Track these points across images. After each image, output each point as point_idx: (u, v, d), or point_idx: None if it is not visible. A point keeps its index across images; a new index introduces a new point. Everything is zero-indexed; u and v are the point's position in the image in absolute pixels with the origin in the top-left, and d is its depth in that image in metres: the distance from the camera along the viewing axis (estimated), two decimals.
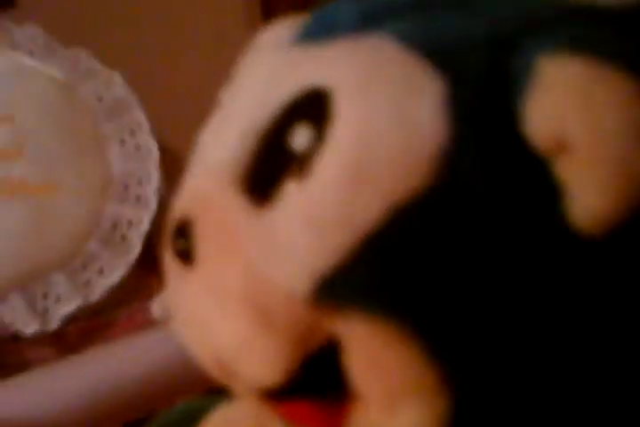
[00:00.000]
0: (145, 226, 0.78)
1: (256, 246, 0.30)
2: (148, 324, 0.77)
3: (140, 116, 0.81)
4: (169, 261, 0.35)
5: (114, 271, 0.76)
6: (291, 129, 0.31)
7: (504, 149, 0.29)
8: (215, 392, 0.56)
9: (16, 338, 0.73)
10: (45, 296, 0.74)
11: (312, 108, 0.31)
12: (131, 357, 0.64)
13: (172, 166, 0.80)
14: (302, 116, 0.31)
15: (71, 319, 0.74)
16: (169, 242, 0.34)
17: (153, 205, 0.79)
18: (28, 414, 0.59)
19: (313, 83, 0.31)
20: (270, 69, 0.34)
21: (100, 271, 0.76)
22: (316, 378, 0.31)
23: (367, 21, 0.32)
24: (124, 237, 0.77)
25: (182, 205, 0.34)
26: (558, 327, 0.29)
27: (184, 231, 0.33)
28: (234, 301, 0.31)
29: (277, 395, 0.31)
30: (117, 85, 0.82)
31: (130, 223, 0.78)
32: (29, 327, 0.73)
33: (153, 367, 0.63)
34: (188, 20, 0.88)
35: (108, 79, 0.82)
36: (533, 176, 0.28)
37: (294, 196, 0.30)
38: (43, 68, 0.81)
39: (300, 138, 0.31)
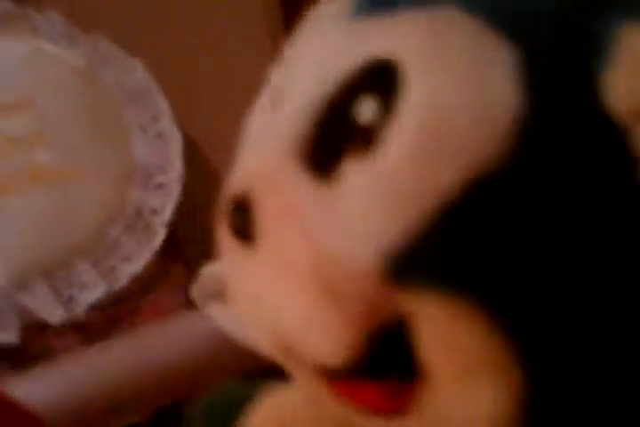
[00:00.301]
0: (168, 213, 0.77)
1: (322, 222, 0.30)
2: (173, 311, 0.76)
3: (161, 103, 0.80)
4: (225, 239, 0.34)
5: (138, 258, 0.75)
6: (355, 101, 0.30)
7: (581, 118, 0.28)
8: (249, 376, 0.55)
9: (41, 326, 0.72)
10: (70, 284, 0.73)
11: (378, 79, 0.30)
12: (158, 341, 0.63)
13: (195, 154, 0.79)
14: (368, 88, 0.30)
15: (95, 307, 0.74)
16: (226, 219, 0.33)
17: (176, 191, 0.78)
18: (54, 401, 0.58)
19: (379, 54, 0.30)
20: (329, 42, 0.33)
21: (124, 258, 0.75)
22: (382, 357, 0.30)
23: None
24: (147, 224, 0.77)
25: (239, 180, 0.33)
26: (635, 301, 0.28)
27: (242, 207, 0.32)
28: (298, 277, 0.30)
29: (340, 375, 0.31)
30: (138, 72, 0.81)
31: (153, 210, 0.77)
32: (54, 315, 0.72)
33: (181, 352, 0.62)
34: (210, 5, 0.88)
35: (128, 65, 0.81)
36: (611, 145, 0.28)
37: (362, 169, 0.29)
38: (63, 54, 0.80)
39: (366, 110, 0.30)
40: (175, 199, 0.78)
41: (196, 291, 0.51)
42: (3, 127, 0.74)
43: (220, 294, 0.42)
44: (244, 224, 0.32)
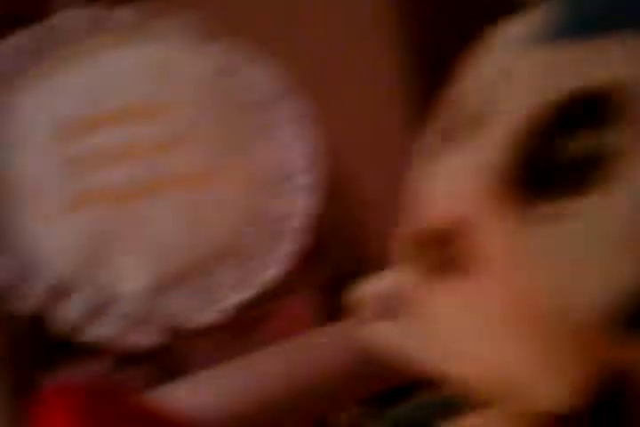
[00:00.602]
0: (302, 218, 0.77)
1: (540, 262, 0.28)
2: (306, 316, 0.76)
3: (296, 106, 0.80)
4: (415, 270, 0.33)
5: (273, 263, 0.75)
6: (566, 134, 0.29)
7: None
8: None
9: (180, 330, 0.72)
10: (208, 288, 0.73)
11: (591, 111, 0.29)
12: (307, 353, 0.63)
13: (335, 159, 0.79)
14: (580, 121, 0.29)
15: (232, 311, 0.74)
16: (422, 250, 0.32)
17: (311, 196, 0.77)
18: (208, 412, 0.58)
19: (594, 83, 0.29)
20: (522, 69, 0.32)
21: (261, 263, 0.75)
22: (603, 407, 0.28)
23: (630, 18, 0.30)
24: (282, 229, 0.76)
25: (436, 211, 0.32)
26: None
27: (442, 239, 0.31)
28: (511, 320, 0.28)
29: (559, 422, 0.29)
30: (270, 74, 0.81)
31: (288, 215, 0.77)
32: (193, 319, 0.72)
33: (329, 365, 0.61)
34: (343, 9, 0.87)
35: (260, 68, 0.81)
36: None
37: (589, 208, 0.28)
38: (194, 58, 0.80)
39: (580, 144, 0.29)
40: (310, 204, 0.77)
41: (356, 306, 0.50)
42: (141, 133, 0.75)
43: (387, 313, 0.42)
44: (443, 257, 0.31)
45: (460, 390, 0.34)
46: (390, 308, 0.41)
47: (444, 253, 0.31)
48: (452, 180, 0.32)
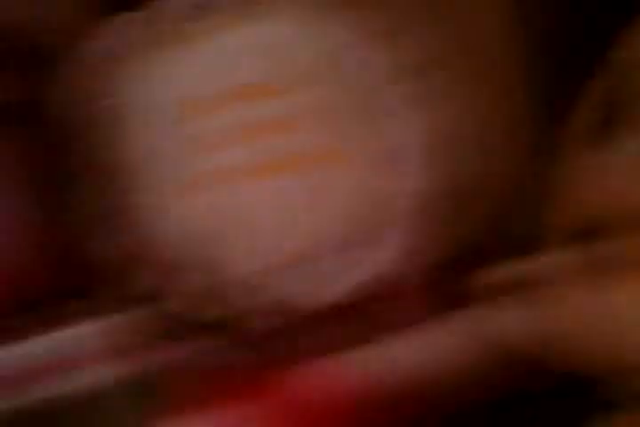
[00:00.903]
0: (417, 201, 0.75)
1: None
2: (420, 302, 0.75)
3: (417, 87, 0.78)
4: (568, 259, 0.31)
5: (388, 248, 0.74)
6: None
7: None
8: None
9: (291, 314, 0.72)
10: (321, 272, 0.72)
11: None
12: (420, 349, 0.62)
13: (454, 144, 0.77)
14: None
15: (345, 295, 0.73)
16: (578, 241, 0.31)
17: (426, 179, 0.75)
18: None
19: None
20: None
21: (375, 247, 0.74)
22: None
23: None
24: (397, 213, 0.75)
25: (599, 203, 0.30)
26: None
27: (599, 232, 0.29)
28: None
29: None
30: (394, 53, 0.79)
31: (402, 198, 0.75)
32: (305, 303, 0.71)
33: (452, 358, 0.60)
34: None
35: (384, 47, 0.79)
36: None
37: None
38: (316, 35, 0.79)
39: None
40: (425, 187, 0.75)
41: (485, 292, 0.48)
42: (263, 112, 0.74)
43: (523, 299, 0.40)
44: (601, 249, 0.29)
45: (617, 381, 0.32)
46: (527, 295, 0.39)
47: (601, 245, 0.29)
48: (618, 170, 0.30)
